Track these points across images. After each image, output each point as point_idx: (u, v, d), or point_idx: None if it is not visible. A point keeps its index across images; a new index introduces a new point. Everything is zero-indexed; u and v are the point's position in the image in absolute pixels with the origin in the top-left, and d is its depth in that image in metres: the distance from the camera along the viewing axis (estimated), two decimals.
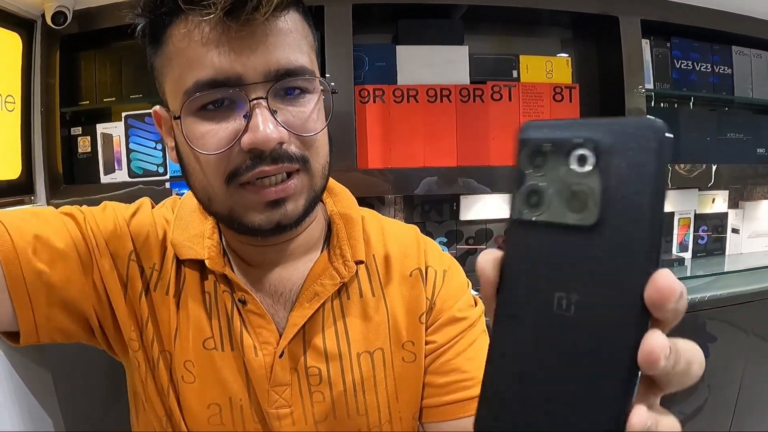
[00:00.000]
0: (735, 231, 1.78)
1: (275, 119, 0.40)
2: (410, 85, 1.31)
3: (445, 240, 1.47)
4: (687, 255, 1.72)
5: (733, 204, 1.81)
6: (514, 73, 1.39)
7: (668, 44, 1.58)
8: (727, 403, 1.60)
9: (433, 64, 1.32)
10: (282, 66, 0.40)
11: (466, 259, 1.49)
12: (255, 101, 0.40)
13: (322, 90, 0.45)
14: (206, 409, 0.49)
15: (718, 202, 1.75)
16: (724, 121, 1.64)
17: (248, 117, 0.40)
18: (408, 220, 1.47)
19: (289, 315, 0.49)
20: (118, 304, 0.49)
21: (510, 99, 1.35)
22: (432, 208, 1.44)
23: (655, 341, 0.19)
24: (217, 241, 0.50)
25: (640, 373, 0.20)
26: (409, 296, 0.53)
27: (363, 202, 1.45)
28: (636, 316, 0.19)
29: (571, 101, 1.41)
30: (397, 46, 1.34)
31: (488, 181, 1.32)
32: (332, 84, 0.47)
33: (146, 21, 0.43)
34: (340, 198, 0.56)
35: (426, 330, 0.53)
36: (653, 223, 0.19)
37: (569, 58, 1.45)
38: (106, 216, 0.50)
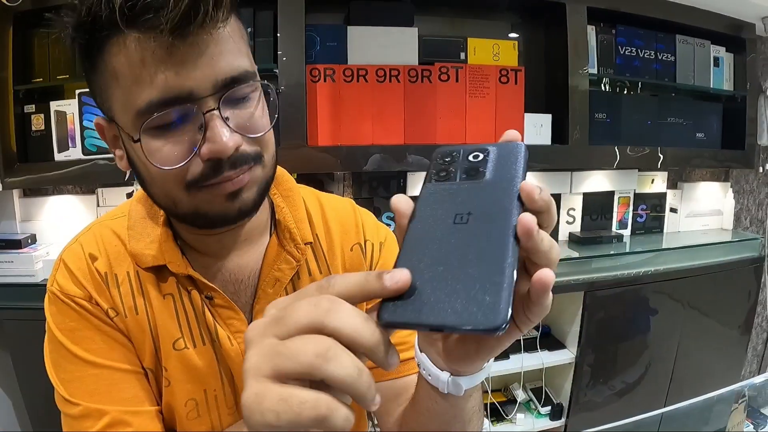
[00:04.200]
0: (673, 210, 1.87)
1: (229, 126, 0.42)
2: (360, 65, 1.34)
3: (392, 215, 1.52)
4: (626, 232, 1.82)
5: (672, 185, 1.90)
6: (462, 55, 1.43)
7: (613, 31, 1.64)
8: (665, 372, 1.71)
9: (383, 45, 1.35)
10: (228, 75, 0.42)
11: None
12: (209, 113, 0.41)
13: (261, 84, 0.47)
14: (183, 406, 0.51)
15: (657, 182, 1.84)
16: (666, 106, 1.72)
17: (204, 129, 0.42)
18: (356, 196, 1.52)
19: (255, 302, 0.52)
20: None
21: (457, 80, 1.40)
22: (380, 185, 1.49)
23: (529, 216, 0.27)
24: (174, 244, 0.51)
25: (519, 246, 0.27)
26: (352, 270, 0.57)
27: (313, 178, 1.50)
28: (513, 209, 0.29)
29: (516, 83, 1.46)
30: (348, 27, 1.37)
31: None
32: (282, 88, 0.48)
33: (79, 36, 0.41)
34: (280, 180, 0.57)
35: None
36: (520, 175, 0.31)
37: (516, 42, 1.50)
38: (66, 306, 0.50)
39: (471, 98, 1.42)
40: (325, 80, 1.33)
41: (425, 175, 0.33)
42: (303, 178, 1.45)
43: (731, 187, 1.98)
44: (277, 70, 1.27)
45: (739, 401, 0.86)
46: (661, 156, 1.63)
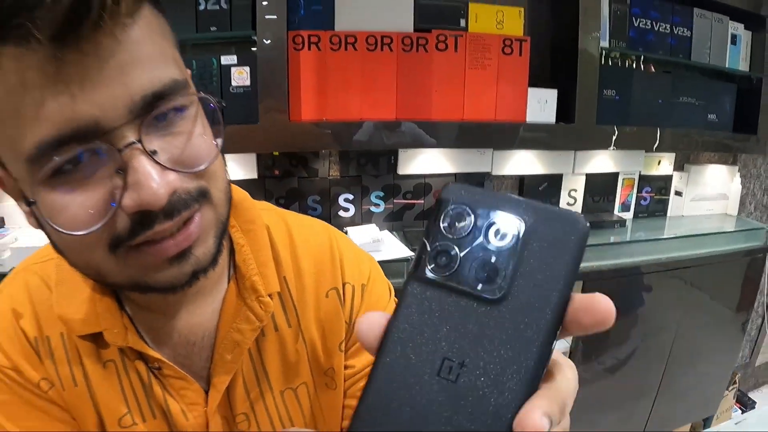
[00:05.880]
0: (678, 194, 1.80)
1: (158, 164, 0.31)
2: (348, 32, 1.22)
3: (381, 194, 1.43)
4: (628, 215, 1.74)
5: (679, 167, 1.82)
6: (462, 22, 1.31)
7: (628, 1, 1.51)
8: (662, 348, 1.66)
9: (374, 9, 1.24)
10: (148, 90, 0.30)
11: (404, 214, 1.47)
12: (128, 149, 0.30)
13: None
14: None
15: (663, 164, 1.76)
16: (678, 84, 1.62)
17: (123, 171, 0.31)
18: (344, 174, 1.42)
19: (212, 370, 0.44)
20: None
21: (456, 50, 1.29)
22: (368, 162, 1.39)
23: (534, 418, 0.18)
24: (111, 302, 0.42)
25: None
26: (327, 322, 0.49)
27: (296, 155, 1.40)
28: (519, 395, 0.19)
29: (521, 55, 1.35)
30: None
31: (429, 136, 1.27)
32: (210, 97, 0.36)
33: None
34: (240, 208, 0.46)
35: (345, 354, 0.49)
36: (556, 312, 0.19)
37: (522, 9, 1.38)
38: None
39: (471, 70, 1.31)
40: (309, 48, 1.21)
41: (418, 250, 0.21)
42: (286, 157, 1.37)
43: (739, 171, 1.91)
44: (255, 38, 1.16)
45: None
46: (661, 135, 1.54)
